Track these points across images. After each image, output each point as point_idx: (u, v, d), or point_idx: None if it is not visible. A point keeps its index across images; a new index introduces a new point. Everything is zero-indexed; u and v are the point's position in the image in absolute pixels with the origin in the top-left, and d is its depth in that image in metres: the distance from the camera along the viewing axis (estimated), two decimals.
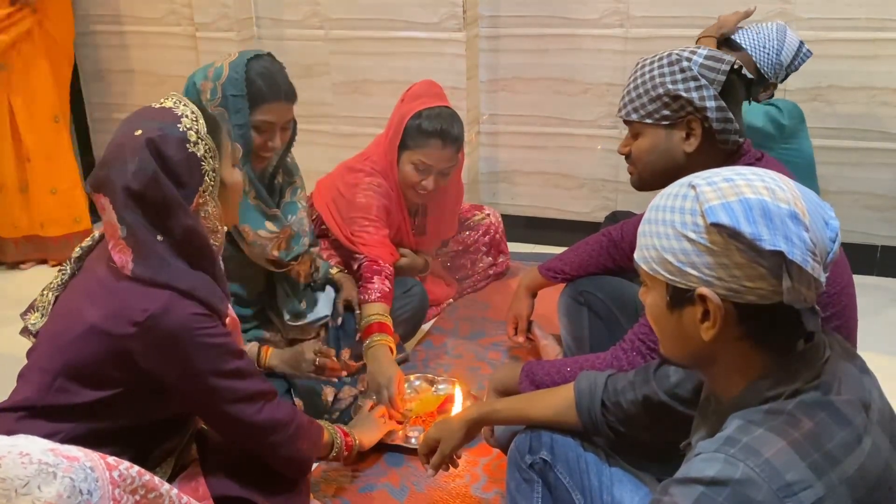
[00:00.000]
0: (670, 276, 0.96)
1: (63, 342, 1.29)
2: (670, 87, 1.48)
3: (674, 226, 0.95)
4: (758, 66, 2.25)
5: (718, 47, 2.30)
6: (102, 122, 3.57)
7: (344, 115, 3.23)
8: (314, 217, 2.46)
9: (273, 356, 1.95)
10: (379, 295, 2.18)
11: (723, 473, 0.86)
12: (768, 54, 2.24)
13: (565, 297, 2.09)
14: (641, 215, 2.08)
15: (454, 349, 2.40)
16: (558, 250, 3.16)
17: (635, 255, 1.02)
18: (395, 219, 2.45)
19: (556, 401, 1.38)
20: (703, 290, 0.93)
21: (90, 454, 0.90)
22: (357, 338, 2.17)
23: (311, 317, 2.12)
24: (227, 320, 1.41)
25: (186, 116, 1.33)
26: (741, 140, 1.51)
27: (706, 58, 1.48)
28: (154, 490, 1.03)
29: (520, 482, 1.37)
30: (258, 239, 1.92)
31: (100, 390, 1.28)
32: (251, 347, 1.95)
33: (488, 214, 2.86)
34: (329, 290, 2.22)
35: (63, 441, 1.00)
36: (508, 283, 2.81)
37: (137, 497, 0.95)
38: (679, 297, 0.96)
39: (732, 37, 2.31)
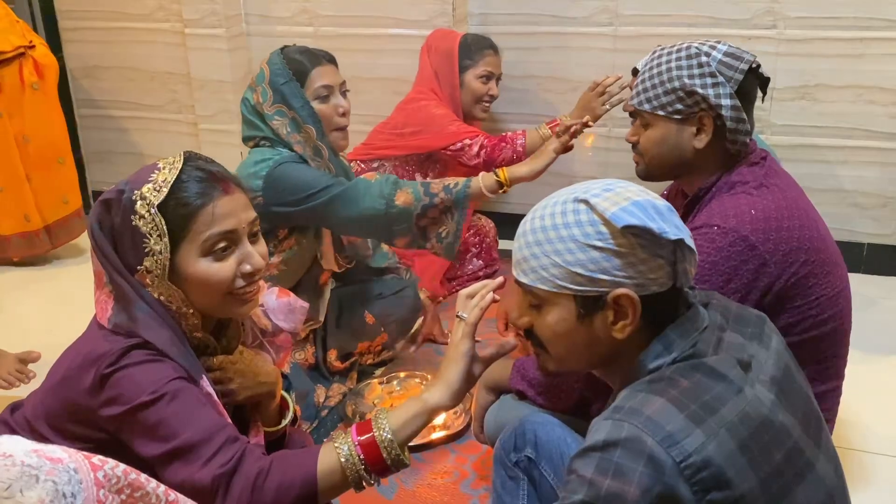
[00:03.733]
0: (580, 288, 1.01)
1: (43, 390, 1.22)
2: (686, 81, 1.44)
3: (575, 239, 1.00)
4: None
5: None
6: (90, 119, 3.55)
7: None
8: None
9: (511, 170, 2.07)
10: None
11: (611, 435, 0.91)
12: None
13: None
14: None
15: (443, 347, 2.40)
16: None
17: (525, 281, 1.04)
18: None
19: None
20: (619, 290, 0.99)
21: (74, 455, 0.89)
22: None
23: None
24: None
25: (154, 182, 1.16)
26: (749, 140, 1.50)
27: (725, 54, 1.44)
28: (140, 489, 1.01)
29: (505, 480, 1.38)
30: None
31: (73, 442, 1.12)
32: (486, 175, 1.98)
33: (480, 218, 2.88)
34: (326, 292, 2.21)
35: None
36: None
37: (123, 497, 0.94)
38: (590, 306, 1.02)
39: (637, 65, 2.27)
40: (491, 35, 3.00)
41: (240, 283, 1.21)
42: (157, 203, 1.14)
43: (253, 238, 1.23)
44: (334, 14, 3.08)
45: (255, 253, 1.22)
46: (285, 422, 1.39)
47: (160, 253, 1.15)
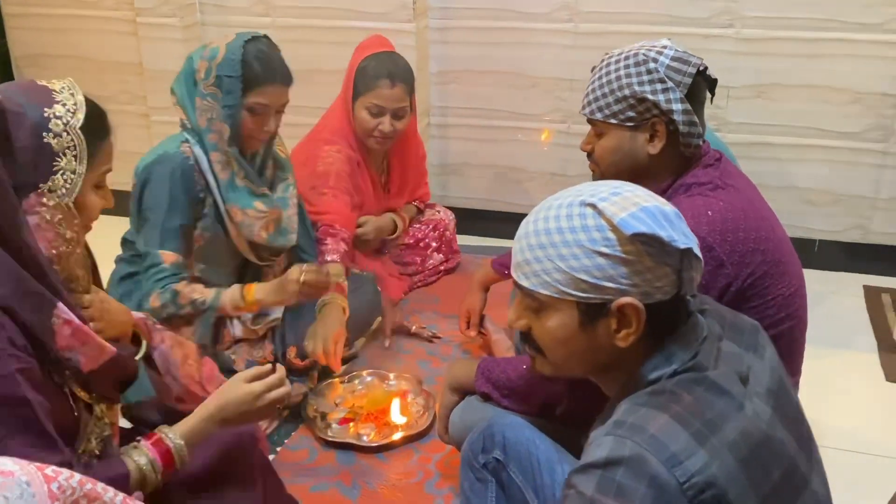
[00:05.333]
0: (584, 294, 0.99)
1: None
2: (637, 88, 1.44)
3: (581, 245, 0.98)
4: None
5: None
6: None
7: (291, 104, 3.16)
8: None
9: (258, 290, 1.91)
10: (334, 256, 2.19)
11: (614, 453, 0.90)
12: None
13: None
14: None
15: (405, 344, 2.38)
16: (508, 244, 3.16)
17: (525, 285, 1.03)
18: (361, 180, 2.48)
19: None
20: (625, 299, 0.97)
21: (26, 466, 0.85)
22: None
23: (270, 316, 2.09)
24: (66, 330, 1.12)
25: (63, 104, 1.15)
26: (702, 142, 1.51)
27: (673, 59, 1.44)
28: (97, 499, 0.98)
29: (473, 482, 1.36)
30: (246, 218, 1.92)
31: None
32: (234, 290, 1.91)
33: (439, 211, 2.86)
34: None
35: None
36: (459, 277, 2.80)
37: None
38: (594, 313, 1.00)
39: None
40: (451, 29, 2.99)
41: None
42: (78, 126, 1.14)
43: None
44: (292, 5, 3.02)
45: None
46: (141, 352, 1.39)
47: (73, 173, 1.15)
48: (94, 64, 3.26)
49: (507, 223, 3.23)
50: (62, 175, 1.14)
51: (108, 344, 1.19)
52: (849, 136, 2.75)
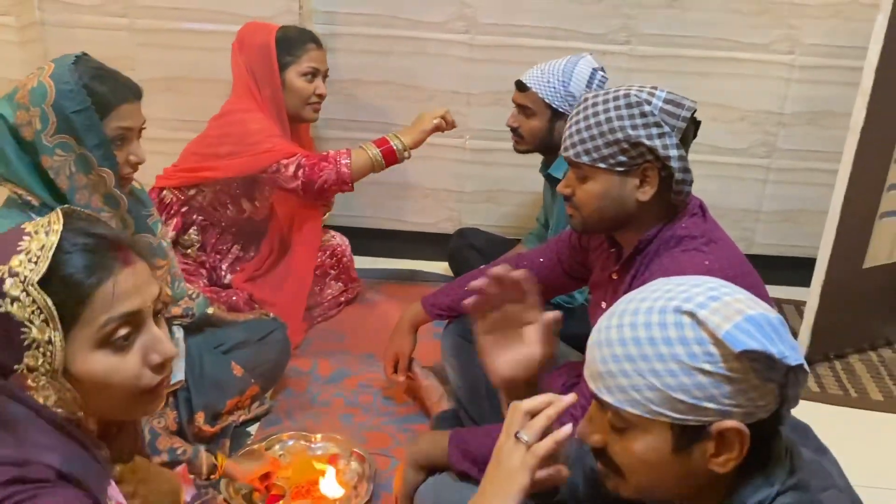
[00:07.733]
0: (680, 416, 0.86)
1: None
2: (631, 132, 1.34)
3: (679, 360, 0.84)
4: (550, 104, 2.12)
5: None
6: None
7: (152, 117, 2.77)
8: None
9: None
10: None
11: None
12: (554, 88, 2.11)
13: (452, 336, 1.93)
14: (536, 251, 1.93)
15: (319, 395, 2.15)
16: (400, 264, 3.02)
17: (610, 401, 0.89)
18: None
19: None
20: (728, 423, 0.85)
21: None
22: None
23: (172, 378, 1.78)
24: None
25: (26, 252, 0.88)
26: (690, 190, 1.43)
27: (666, 101, 1.35)
28: None
29: None
30: None
31: None
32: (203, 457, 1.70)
33: (333, 236, 2.64)
34: (181, 344, 1.87)
35: None
36: (360, 308, 2.61)
37: None
38: (690, 436, 0.87)
39: (521, 78, 2.17)
40: (339, 36, 2.76)
41: (148, 378, 0.95)
42: (36, 280, 0.87)
43: (157, 318, 0.98)
44: (156, 5, 2.65)
45: (164, 338, 0.97)
46: None
47: (49, 343, 0.88)
48: None
49: (397, 242, 3.07)
50: (36, 349, 0.88)
51: None
52: (736, 153, 2.84)
